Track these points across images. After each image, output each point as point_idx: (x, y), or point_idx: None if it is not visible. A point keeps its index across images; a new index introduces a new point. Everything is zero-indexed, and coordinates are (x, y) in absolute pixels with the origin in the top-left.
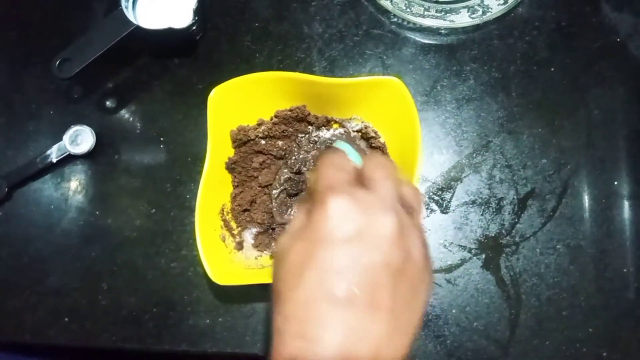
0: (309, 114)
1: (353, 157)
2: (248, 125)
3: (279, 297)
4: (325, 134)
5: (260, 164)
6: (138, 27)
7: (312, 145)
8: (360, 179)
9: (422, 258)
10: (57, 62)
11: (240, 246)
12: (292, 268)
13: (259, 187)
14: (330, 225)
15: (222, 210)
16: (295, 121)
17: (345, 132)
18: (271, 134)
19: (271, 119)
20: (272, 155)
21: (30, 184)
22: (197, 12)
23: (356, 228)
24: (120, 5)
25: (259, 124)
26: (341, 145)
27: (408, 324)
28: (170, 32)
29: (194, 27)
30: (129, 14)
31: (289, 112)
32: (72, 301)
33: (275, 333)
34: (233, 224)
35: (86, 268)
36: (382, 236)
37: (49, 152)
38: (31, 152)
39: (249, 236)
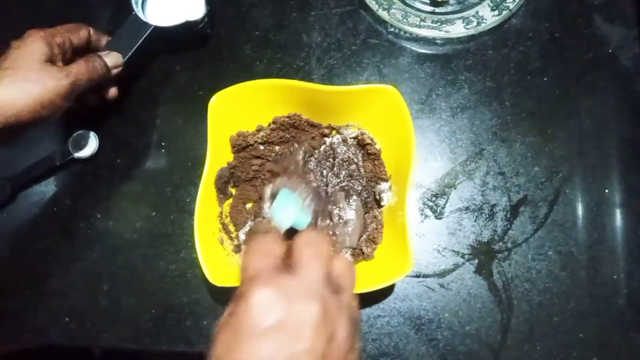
0: (306, 121)
1: (293, 207)
2: (247, 131)
3: None
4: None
5: (259, 167)
6: (155, 28)
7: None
8: (288, 258)
9: (348, 338)
10: None
11: (238, 249)
12: (219, 356)
13: (255, 192)
14: (252, 317)
15: (221, 213)
16: (292, 127)
17: (295, 179)
18: (269, 140)
19: (269, 125)
20: (269, 160)
21: (34, 187)
22: (208, 1)
23: (278, 318)
24: (133, 10)
25: (258, 130)
26: (283, 194)
27: None
28: (185, 26)
29: (206, 18)
30: (142, 15)
31: (286, 119)
32: (73, 302)
33: None
34: (231, 227)
35: (86, 269)
36: (305, 325)
37: (53, 155)
38: (35, 156)
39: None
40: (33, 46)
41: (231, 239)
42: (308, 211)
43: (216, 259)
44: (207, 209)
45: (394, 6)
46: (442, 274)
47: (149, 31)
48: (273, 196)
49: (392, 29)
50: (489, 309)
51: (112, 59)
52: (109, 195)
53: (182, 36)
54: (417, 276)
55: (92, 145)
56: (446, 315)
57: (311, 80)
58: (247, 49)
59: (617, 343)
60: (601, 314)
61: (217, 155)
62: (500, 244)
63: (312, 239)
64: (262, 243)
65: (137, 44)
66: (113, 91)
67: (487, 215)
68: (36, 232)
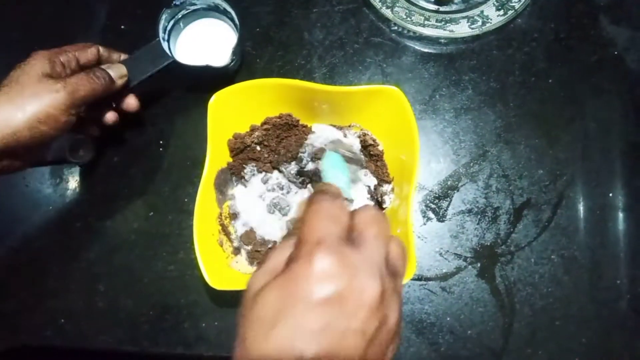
0: (298, 121)
1: (342, 171)
2: (243, 133)
3: (244, 342)
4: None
5: (255, 167)
6: (175, 61)
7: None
8: (350, 230)
9: (397, 324)
10: None
11: (237, 251)
12: (263, 317)
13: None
14: (313, 283)
15: (220, 215)
16: (286, 127)
17: (335, 140)
18: (263, 141)
19: (262, 125)
20: (263, 162)
21: (29, 185)
22: (235, 51)
23: (338, 290)
24: (157, 37)
25: (252, 130)
26: (331, 157)
27: None
28: (206, 68)
29: (231, 65)
30: (166, 46)
31: (277, 119)
32: (69, 303)
33: None
34: (231, 229)
35: (83, 270)
36: (363, 303)
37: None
38: None
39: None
40: (33, 63)
41: (230, 240)
42: (350, 180)
43: (215, 261)
44: (206, 210)
45: (397, 4)
46: (444, 277)
47: (167, 62)
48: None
49: (396, 28)
50: (491, 313)
51: (116, 70)
52: (105, 195)
53: (201, 73)
54: (419, 279)
55: (87, 151)
56: (448, 319)
57: (312, 79)
58: (248, 46)
59: (619, 348)
60: (604, 319)
61: (217, 155)
62: (503, 247)
63: (376, 216)
64: (331, 206)
65: (152, 72)
66: (132, 102)
67: (490, 218)
68: (32, 232)
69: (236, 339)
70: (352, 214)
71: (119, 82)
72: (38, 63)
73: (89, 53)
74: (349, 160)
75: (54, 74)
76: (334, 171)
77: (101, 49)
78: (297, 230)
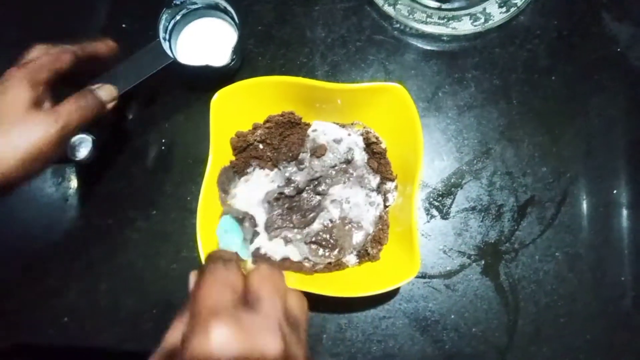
0: (301, 119)
1: (236, 234)
2: (246, 131)
3: None
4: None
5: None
6: (175, 61)
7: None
8: (245, 293)
9: None
10: None
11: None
12: None
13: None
14: (211, 355)
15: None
16: (289, 125)
17: (337, 139)
18: (266, 139)
19: (264, 124)
20: (265, 160)
21: (30, 184)
22: (236, 50)
23: (239, 357)
24: (158, 37)
25: (255, 128)
26: (224, 222)
27: None
28: (206, 68)
29: (232, 64)
30: (166, 46)
31: (280, 117)
32: (71, 301)
33: None
34: None
35: (85, 268)
36: None
37: None
38: None
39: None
40: (15, 92)
41: None
42: (247, 244)
43: None
44: (209, 208)
45: (399, 2)
46: (448, 275)
47: (167, 63)
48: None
49: (398, 25)
50: (496, 311)
51: (106, 93)
52: (107, 193)
53: (201, 74)
54: (423, 277)
55: (88, 149)
56: (452, 316)
57: (315, 77)
58: (250, 44)
59: (624, 346)
60: (608, 316)
61: (220, 153)
62: (507, 244)
63: (269, 274)
64: (224, 273)
65: (151, 73)
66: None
67: (494, 216)
68: (33, 231)
69: None
70: (246, 276)
71: (109, 105)
72: (20, 92)
73: (66, 60)
74: (241, 220)
75: (39, 101)
76: (227, 236)
77: (78, 49)
78: (189, 304)
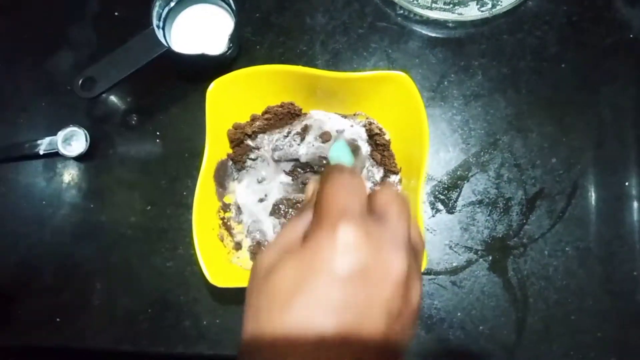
0: (301, 110)
1: (349, 159)
2: (243, 122)
3: (256, 317)
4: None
5: (255, 159)
6: (169, 50)
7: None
8: (371, 208)
9: (418, 307)
10: (81, 81)
11: (239, 246)
12: (280, 291)
13: (257, 183)
14: (336, 255)
15: (220, 208)
16: (289, 116)
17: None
18: (264, 130)
19: (263, 115)
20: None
21: (21, 178)
22: (232, 38)
23: (363, 264)
24: (151, 25)
25: (253, 120)
26: (339, 144)
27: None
28: (202, 57)
29: (228, 53)
30: (160, 34)
31: (279, 108)
32: (65, 301)
33: (244, 353)
34: (232, 223)
35: (79, 266)
36: (389, 278)
37: (39, 142)
38: (22, 135)
39: (247, 238)
40: None
41: (232, 235)
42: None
43: (216, 257)
44: (206, 203)
45: None
46: (455, 271)
47: (161, 51)
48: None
49: (402, 11)
50: (504, 308)
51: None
52: (101, 188)
53: (197, 63)
54: (428, 273)
55: (81, 144)
56: (458, 314)
57: (315, 66)
58: (247, 32)
59: (636, 342)
60: (620, 312)
61: (216, 146)
62: (516, 239)
63: (396, 194)
64: (350, 178)
65: (145, 62)
66: None
67: (501, 210)
68: (24, 228)
69: (245, 315)
70: (372, 192)
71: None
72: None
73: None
74: (353, 150)
75: None
76: (339, 158)
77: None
78: (311, 204)
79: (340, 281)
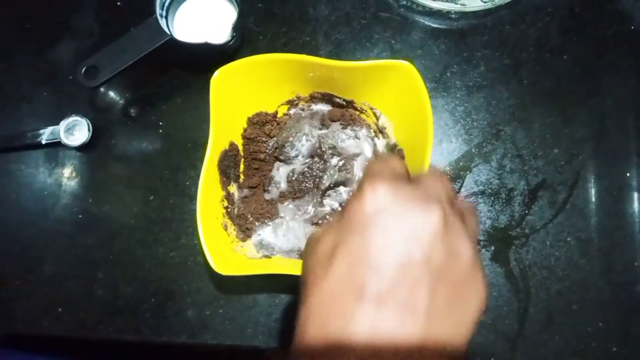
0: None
1: None
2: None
3: (305, 289)
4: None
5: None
6: (172, 39)
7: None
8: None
9: (470, 257)
10: (83, 70)
11: (244, 235)
12: (321, 257)
13: (263, 176)
14: (367, 210)
15: (224, 197)
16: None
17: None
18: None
19: (296, 105)
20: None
21: (23, 168)
22: (236, 27)
23: (396, 217)
24: (154, 14)
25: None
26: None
27: (448, 331)
28: (205, 46)
29: (231, 42)
30: (163, 23)
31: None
32: (67, 291)
33: (298, 326)
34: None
35: (81, 256)
36: (424, 229)
37: (41, 131)
38: (24, 124)
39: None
40: None
41: (235, 224)
42: None
43: (220, 246)
44: (210, 192)
45: None
46: None
47: (164, 40)
48: None
49: (404, 2)
50: (506, 298)
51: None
52: (103, 178)
53: (200, 52)
54: None
55: (83, 133)
56: None
57: (318, 56)
58: (250, 22)
59: (637, 332)
60: (621, 302)
61: (220, 134)
62: (518, 229)
63: (439, 176)
64: (390, 159)
65: (148, 50)
66: None
67: (504, 200)
68: (26, 218)
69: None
70: (413, 178)
71: None
72: None
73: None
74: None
75: None
76: None
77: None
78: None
79: (375, 236)
